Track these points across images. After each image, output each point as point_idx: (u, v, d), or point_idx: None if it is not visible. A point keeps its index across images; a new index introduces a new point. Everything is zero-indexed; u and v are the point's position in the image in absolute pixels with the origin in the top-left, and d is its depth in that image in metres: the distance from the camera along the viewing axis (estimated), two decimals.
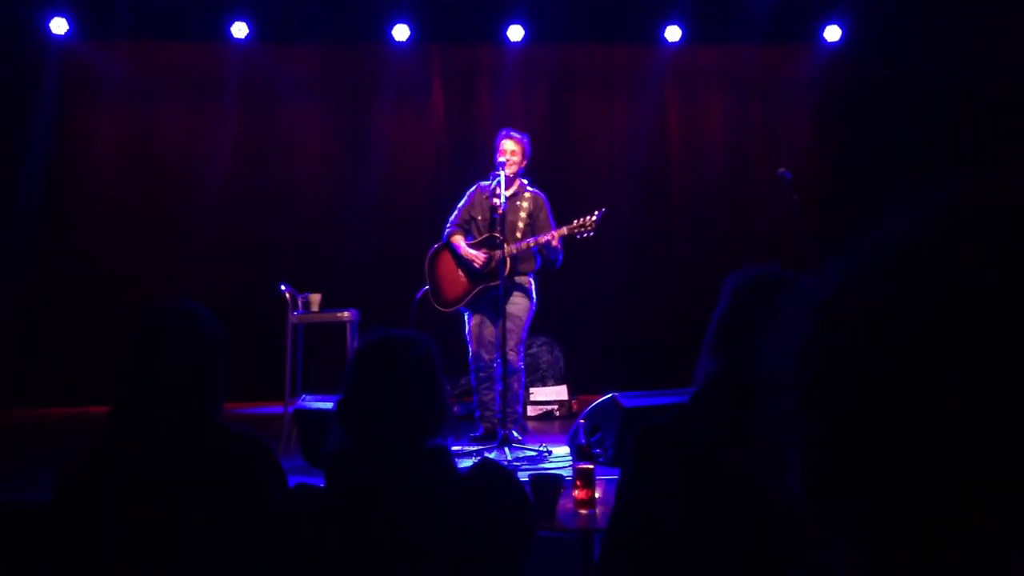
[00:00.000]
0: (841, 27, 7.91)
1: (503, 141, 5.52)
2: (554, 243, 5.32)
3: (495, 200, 5.48)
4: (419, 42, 7.86)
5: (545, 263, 5.52)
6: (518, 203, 5.50)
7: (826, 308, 0.66)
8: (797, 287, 0.72)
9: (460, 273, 5.59)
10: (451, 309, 5.62)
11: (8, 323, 7.45)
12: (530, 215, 5.53)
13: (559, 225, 5.43)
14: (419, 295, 5.95)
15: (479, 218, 5.62)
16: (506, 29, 7.72)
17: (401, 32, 7.67)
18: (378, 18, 7.68)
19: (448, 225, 5.70)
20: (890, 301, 0.63)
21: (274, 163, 7.93)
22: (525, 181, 5.60)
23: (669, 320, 7.81)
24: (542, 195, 5.63)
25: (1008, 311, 0.59)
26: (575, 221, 5.34)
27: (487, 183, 5.61)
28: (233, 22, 7.55)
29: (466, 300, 5.55)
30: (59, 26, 7.43)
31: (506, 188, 5.29)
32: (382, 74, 7.94)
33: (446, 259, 5.66)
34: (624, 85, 8.22)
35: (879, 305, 0.63)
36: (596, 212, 5.31)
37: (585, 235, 5.34)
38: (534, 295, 5.55)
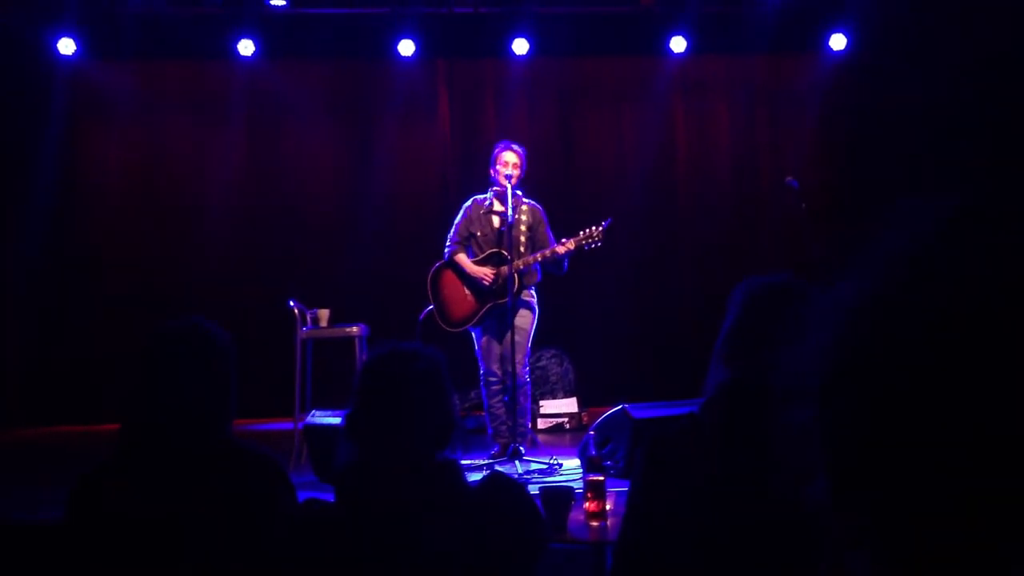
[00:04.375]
0: (846, 36, 7.90)
1: (504, 153, 5.42)
2: (561, 252, 5.29)
3: (495, 215, 5.46)
4: (425, 57, 7.88)
5: (552, 272, 5.48)
6: (518, 216, 5.40)
7: (846, 317, 0.66)
8: (817, 297, 0.72)
9: (467, 292, 5.47)
10: (459, 329, 5.50)
11: (17, 342, 7.47)
12: (530, 228, 5.45)
13: (560, 236, 5.40)
14: (423, 315, 5.91)
15: (479, 234, 5.51)
16: (511, 43, 7.73)
17: (407, 47, 7.68)
18: (384, 34, 7.70)
19: (448, 243, 5.57)
20: (909, 308, 0.63)
21: (282, 179, 7.95)
22: (520, 193, 5.49)
23: (678, 331, 7.79)
24: (539, 207, 5.55)
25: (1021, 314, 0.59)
26: (582, 232, 5.30)
27: (483, 197, 5.58)
28: (239, 40, 7.58)
29: (475, 320, 5.44)
30: (67, 47, 7.47)
31: (506, 202, 5.25)
32: (388, 90, 7.95)
33: (450, 278, 5.54)
34: (630, 97, 8.22)
35: (898, 312, 0.63)
36: (602, 222, 5.30)
37: (593, 246, 5.31)
38: (536, 307, 5.51)
